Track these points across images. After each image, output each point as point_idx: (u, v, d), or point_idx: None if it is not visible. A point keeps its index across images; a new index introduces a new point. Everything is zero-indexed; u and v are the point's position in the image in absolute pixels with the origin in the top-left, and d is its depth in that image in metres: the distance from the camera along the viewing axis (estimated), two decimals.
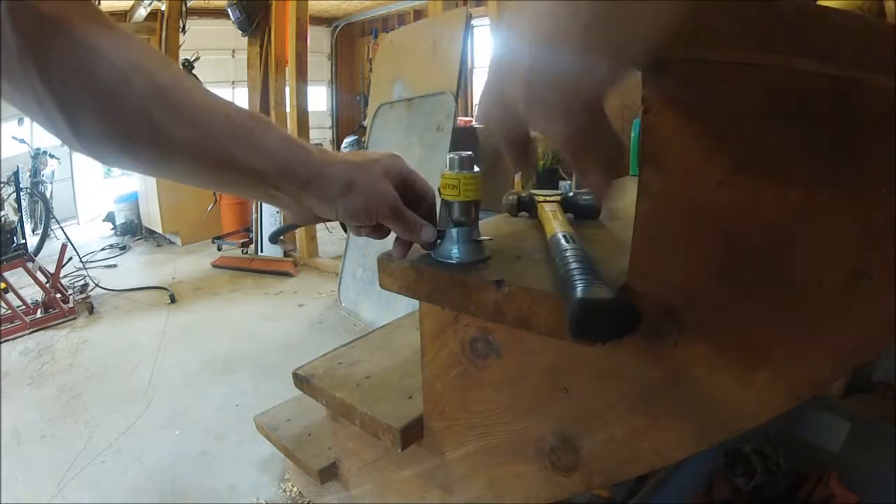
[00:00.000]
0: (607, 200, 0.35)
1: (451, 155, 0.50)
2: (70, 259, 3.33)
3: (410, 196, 0.51)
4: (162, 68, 0.38)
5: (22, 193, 4.42)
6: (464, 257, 0.51)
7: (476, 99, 7.66)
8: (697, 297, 0.41)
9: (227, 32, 5.27)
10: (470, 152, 0.50)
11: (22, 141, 4.89)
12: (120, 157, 0.38)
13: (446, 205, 0.51)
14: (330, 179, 0.45)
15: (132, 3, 5.29)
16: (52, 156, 4.92)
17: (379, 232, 0.52)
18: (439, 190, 0.51)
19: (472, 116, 7.29)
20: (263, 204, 3.74)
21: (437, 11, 2.70)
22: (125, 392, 2.05)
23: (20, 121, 5.44)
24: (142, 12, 5.22)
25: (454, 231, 0.51)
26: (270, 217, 3.76)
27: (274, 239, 3.63)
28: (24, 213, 4.44)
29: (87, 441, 1.72)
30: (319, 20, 7.97)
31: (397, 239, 0.53)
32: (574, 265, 0.39)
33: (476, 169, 0.50)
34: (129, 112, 0.36)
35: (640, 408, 0.46)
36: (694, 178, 0.38)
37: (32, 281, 2.81)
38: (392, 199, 0.48)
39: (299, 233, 3.74)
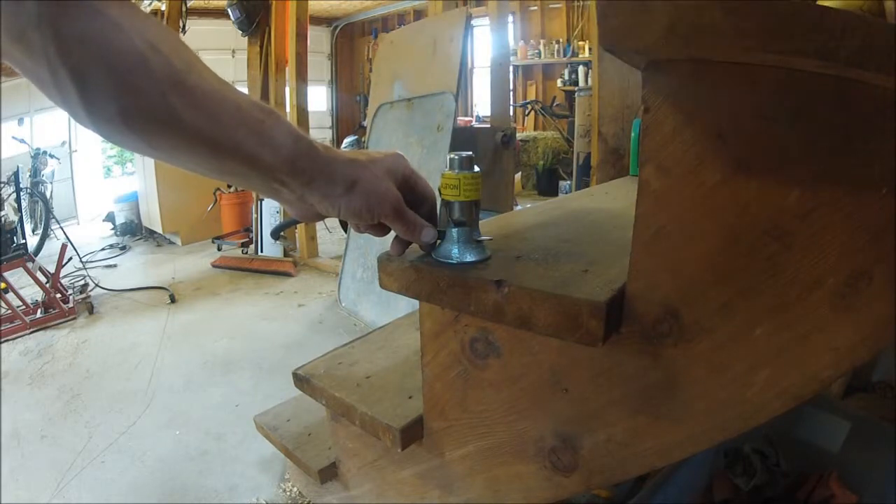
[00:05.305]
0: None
1: (451, 155, 0.50)
2: (70, 259, 3.32)
3: (412, 196, 0.51)
4: (179, 51, 0.37)
5: (22, 193, 4.41)
6: (464, 257, 0.51)
7: (476, 99, 7.67)
8: (697, 297, 0.41)
9: (227, 32, 5.27)
10: (470, 152, 0.50)
11: (22, 141, 4.88)
12: (129, 137, 0.37)
13: (446, 205, 0.51)
14: (335, 177, 0.45)
15: (132, 3, 5.29)
16: (52, 156, 4.92)
17: (380, 230, 0.52)
18: (439, 190, 0.52)
19: (472, 116, 7.30)
20: (263, 204, 3.75)
21: (437, 11, 2.69)
22: (125, 392, 2.05)
23: (20, 121, 5.44)
24: None
25: (454, 231, 0.51)
26: (270, 217, 3.76)
27: (276, 234, 3.63)
28: (24, 213, 4.43)
29: (87, 441, 1.72)
30: (319, 20, 7.98)
31: (396, 237, 0.53)
32: None
33: (476, 169, 0.50)
34: (145, 93, 0.35)
35: (639, 408, 0.46)
36: (694, 178, 0.39)
37: (32, 281, 2.80)
38: (394, 199, 0.48)
39: (299, 233, 3.74)
